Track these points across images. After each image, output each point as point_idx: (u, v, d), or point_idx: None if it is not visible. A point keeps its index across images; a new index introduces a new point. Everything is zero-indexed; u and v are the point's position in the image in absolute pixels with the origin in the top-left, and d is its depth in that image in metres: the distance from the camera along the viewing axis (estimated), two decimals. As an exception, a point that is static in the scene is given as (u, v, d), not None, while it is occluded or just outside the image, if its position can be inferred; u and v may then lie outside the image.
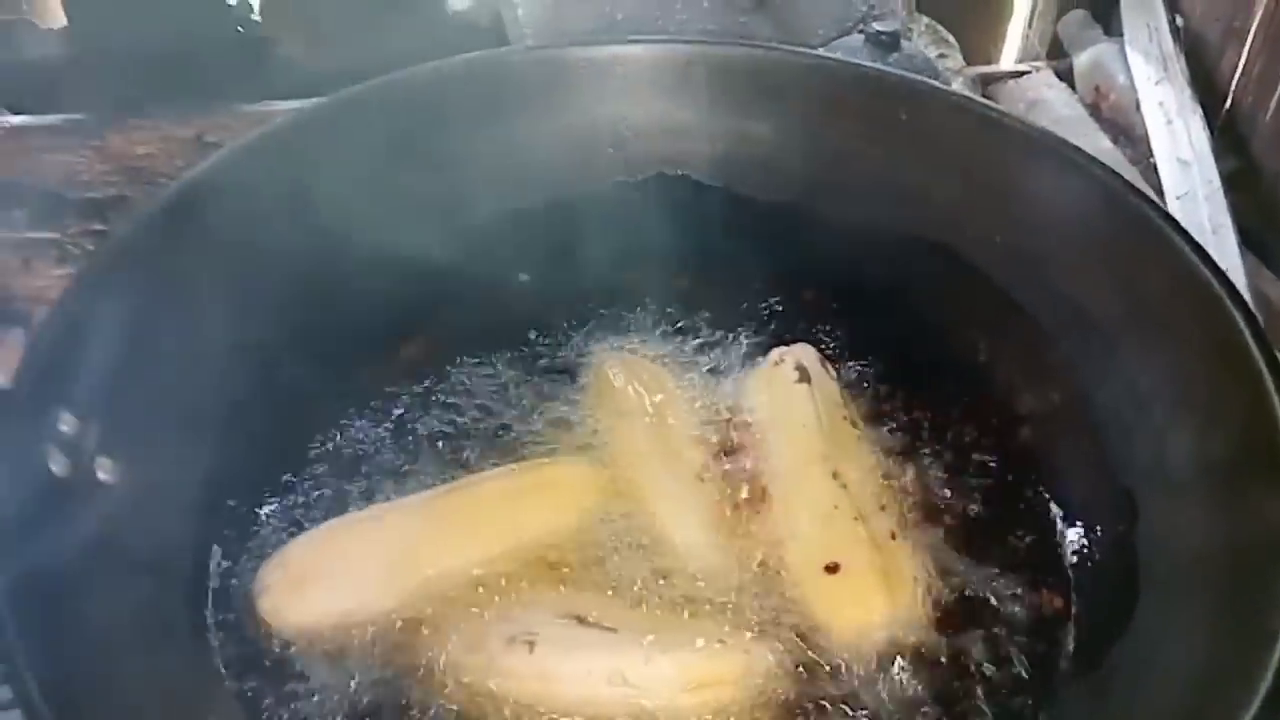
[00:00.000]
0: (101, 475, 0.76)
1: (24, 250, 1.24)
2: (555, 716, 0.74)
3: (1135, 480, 0.82)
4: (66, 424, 0.75)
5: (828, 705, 0.75)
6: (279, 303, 0.89)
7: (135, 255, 0.84)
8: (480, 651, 0.76)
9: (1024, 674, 0.78)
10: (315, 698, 0.75)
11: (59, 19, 1.43)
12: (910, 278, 0.97)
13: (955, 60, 1.46)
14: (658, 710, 0.74)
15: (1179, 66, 1.44)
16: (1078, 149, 0.92)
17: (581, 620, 0.77)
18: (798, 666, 0.77)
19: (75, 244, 1.27)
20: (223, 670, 0.76)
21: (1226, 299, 0.79)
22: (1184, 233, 0.84)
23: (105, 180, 1.34)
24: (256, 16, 1.45)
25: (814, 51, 1.04)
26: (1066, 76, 1.54)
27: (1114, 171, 0.89)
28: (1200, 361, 0.80)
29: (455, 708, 0.75)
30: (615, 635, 0.77)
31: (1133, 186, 0.89)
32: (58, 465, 0.73)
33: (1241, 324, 0.78)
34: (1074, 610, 0.81)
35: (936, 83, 1.05)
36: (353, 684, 0.76)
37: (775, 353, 0.94)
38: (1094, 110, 1.50)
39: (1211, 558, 0.74)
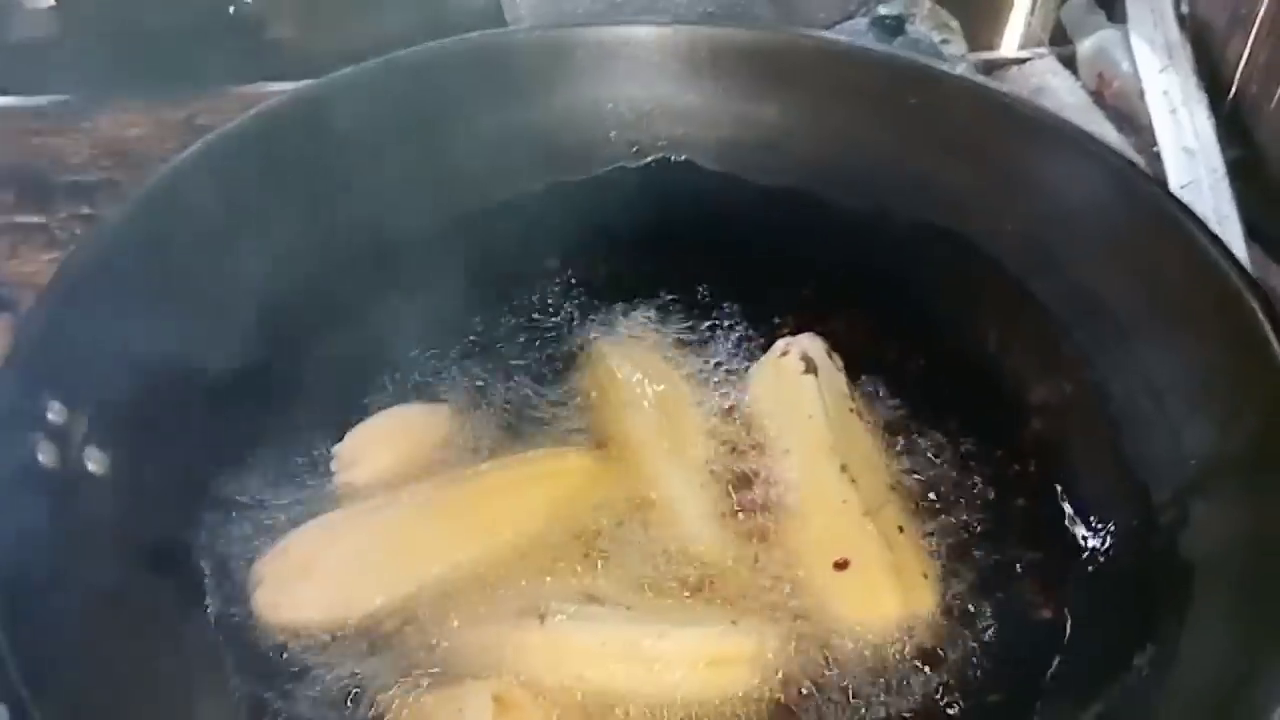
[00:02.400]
0: (91, 466, 0.75)
1: (11, 235, 1.22)
2: (565, 691, 0.73)
3: (1151, 474, 0.80)
4: (55, 413, 0.74)
5: (836, 695, 0.74)
6: (270, 289, 0.87)
7: (124, 241, 0.82)
8: (488, 626, 0.75)
9: (1037, 671, 0.76)
10: (311, 687, 0.73)
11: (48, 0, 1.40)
12: (919, 265, 0.95)
13: (958, 46, 1.43)
14: (670, 686, 0.73)
15: (1184, 54, 1.42)
16: (1090, 135, 0.90)
17: (594, 599, 0.76)
18: (808, 655, 0.76)
19: (64, 228, 1.25)
20: (216, 662, 0.74)
21: (1244, 289, 0.78)
22: (1199, 221, 0.83)
23: (95, 163, 1.32)
24: (249, -2, 1.42)
25: (821, 34, 1.02)
26: (1070, 63, 1.52)
27: (1127, 159, 0.88)
28: (1218, 352, 0.79)
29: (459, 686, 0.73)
30: (629, 611, 0.75)
31: (1146, 174, 0.87)
32: (46, 455, 0.72)
33: (1260, 314, 0.76)
34: (1088, 607, 0.79)
35: (945, 66, 1.03)
36: (351, 672, 0.74)
37: (781, 343, 0.92)
38: (1097, 98, 1.48)
39: (1231, 552, 0.72)
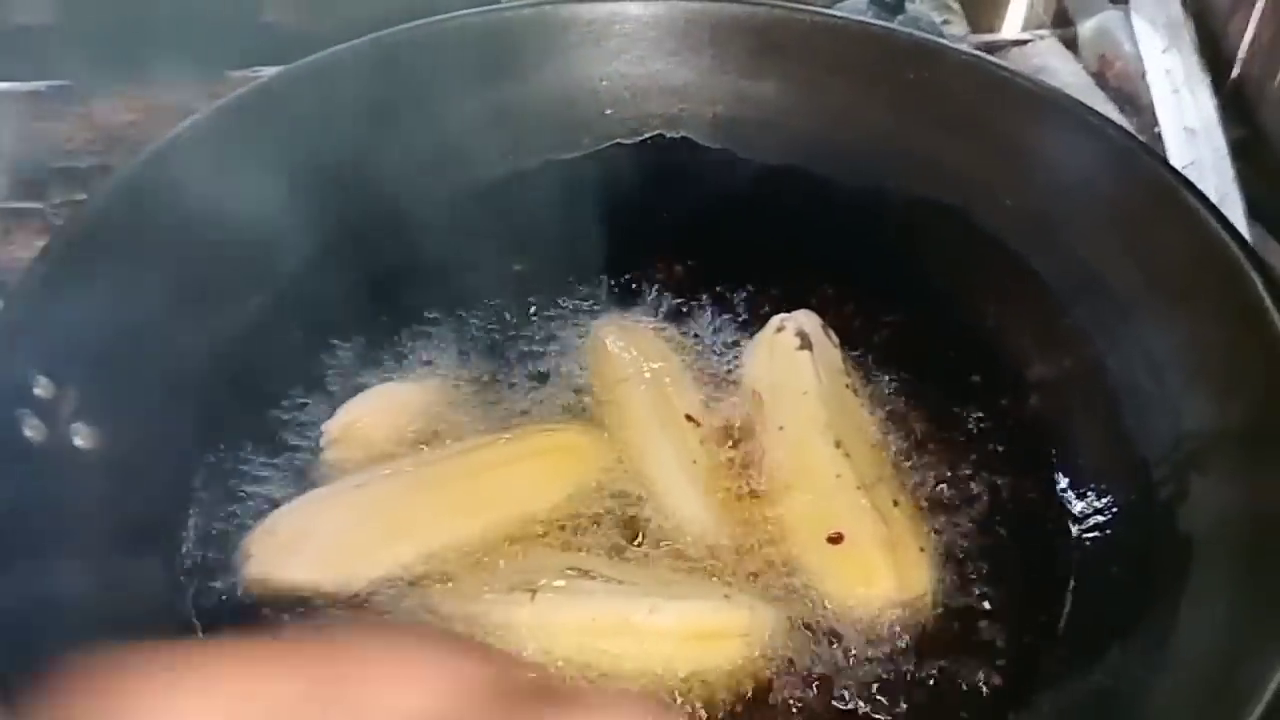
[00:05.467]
0: (78, 441, 0.74)
1: (5, 220, 1.21)
2: (555, 666, 0.72)
3: (1150, 448, 0.79)
4: (42, 388, 0.73)
5: (830, 670, 0.73)
6: (262, 266, 0.87)
7: (111, 218, 0.81)
8: (477, 602, 0.74)
9: (1033, 647, 0.76)
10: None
11: (44, -16, 1.39)
12: (917, 242, 0.94)
13: (959, 27, 1.43)
14: (661, 661, 0.72)
15: (1186, 34, 1.41)
16: (1091, 110, 0.89)
17: (585, 574, 0.75)
18: (801, 631, 0.75)
19: (58, 214, 1.24)
20: (203, 637, 0.73)
21: (1246, 263, 0.77)
22: (1201, 196, 0.82)
23: (89, 149, 1.31)
24: (245, -19, 1.42)
25: (817, 9, 1.01)
26: (1072, 45, 1.51)
27: (1129, 133, 0.87)
28: (1218, 327, 0.78)
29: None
30: (620, 585, 0.75)
31: (1148, 148, 0.86)
32: (33, 430, 0.71)
33: (1261, 288, 0.75)
34: (1086, 583, 0.78)
35: (945, 41, 1.02)
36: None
37: (776, 319, 0.92)
38: (1099, 79, 1.47)
39: (1230, 527, 0.72)
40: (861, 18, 0.99)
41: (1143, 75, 1.41)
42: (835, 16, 0.98)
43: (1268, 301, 0.75)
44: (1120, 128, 0.87)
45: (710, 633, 0.74)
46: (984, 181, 0.91)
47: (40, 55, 1.37)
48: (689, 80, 0.99)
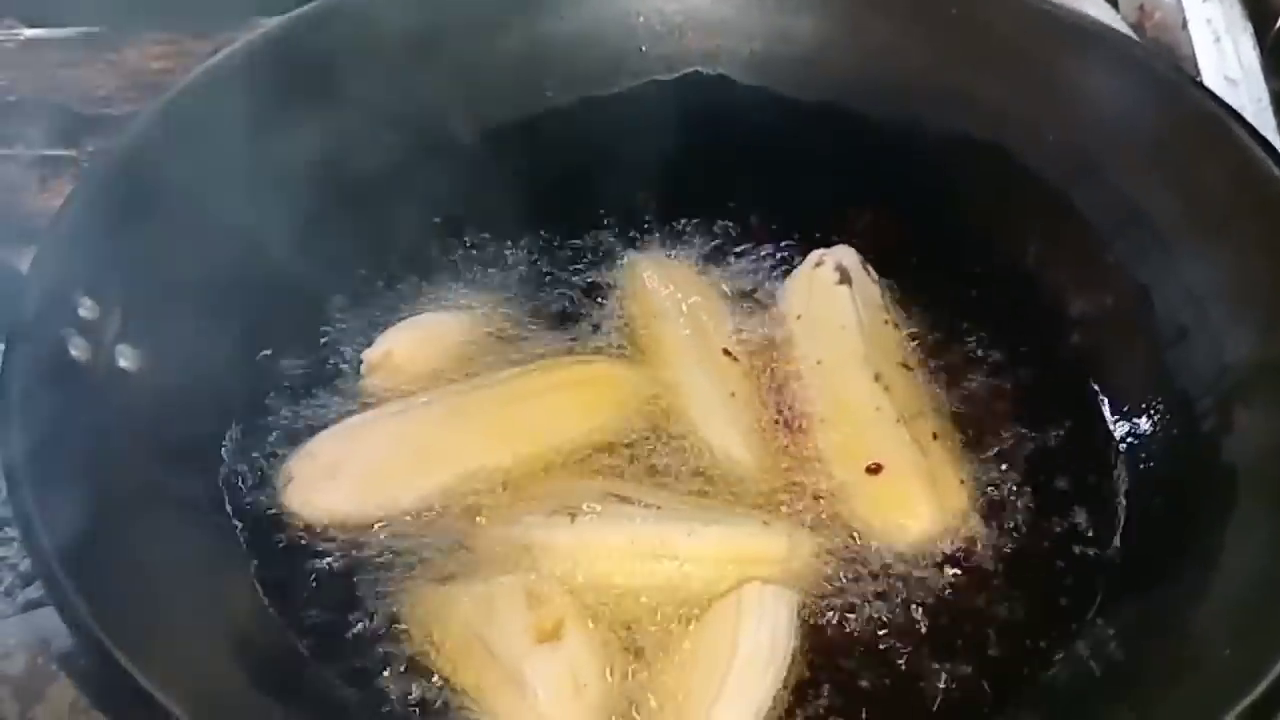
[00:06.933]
0: (123, 363, 0.74)
1: (40, 168, 1.21)
2: (595, 588, 0.72)
3: (1193, 382, 0.79)
4: (87, 309, 0.73)
5: (867, 598, 0.73)
6: (297, 201, 0.86)
7: (146, 146, 0.81)
8: (517, 524, 0.74)
9: (1074, 580, 0.75)
10: (339, 581, 0.73)
11: (72, -69, 1.39)
12: (957, 178, 0.93)
13: (995, -25, 1.41)
14: (700, 585, 0.72)
15: (1228, -17, 1.39)
16: (1135, 42, 0.88)
17: (624, 499, 0.75)
18: (839, 560, 0.75)
19: (92, 162, 1.24)
20: (244, 552, 0.74)
21: (1290, 188, 0.76)
22: (1246, 123, 0.81)
23: (122, 95, 1.31)
24: (275, -76, 1.41)
25: (858, -55, 1.00)
26: (1110, -5, 1.49)
27: (1177, 66, 0.85)
28: (1261, 259, 0.78)
29: (488, 582, 0.72)
30: (659, 510, 0.75)
31: (1191, 78, 0.85)
32: (78, 350, 0.71)
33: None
34: (1129, 516, 0.78)
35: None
36: (380, 567, 0.74)
37: (815, 254, 0.91)
38: (1138, 29, 1.45)
39: (1273, 457, 0.71)
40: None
41: (1183, 25, 1.39)
42: (875, -49, 0.97)
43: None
44: (1163, 58, 0.86)
45: (748, 558, 0.74)
46: (1024, 117, 0.91)
47: (71, 2, 1.37)
48: (726, 16, 0.99)
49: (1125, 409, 0.83)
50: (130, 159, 0.80)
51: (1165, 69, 0.85)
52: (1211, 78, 1.34)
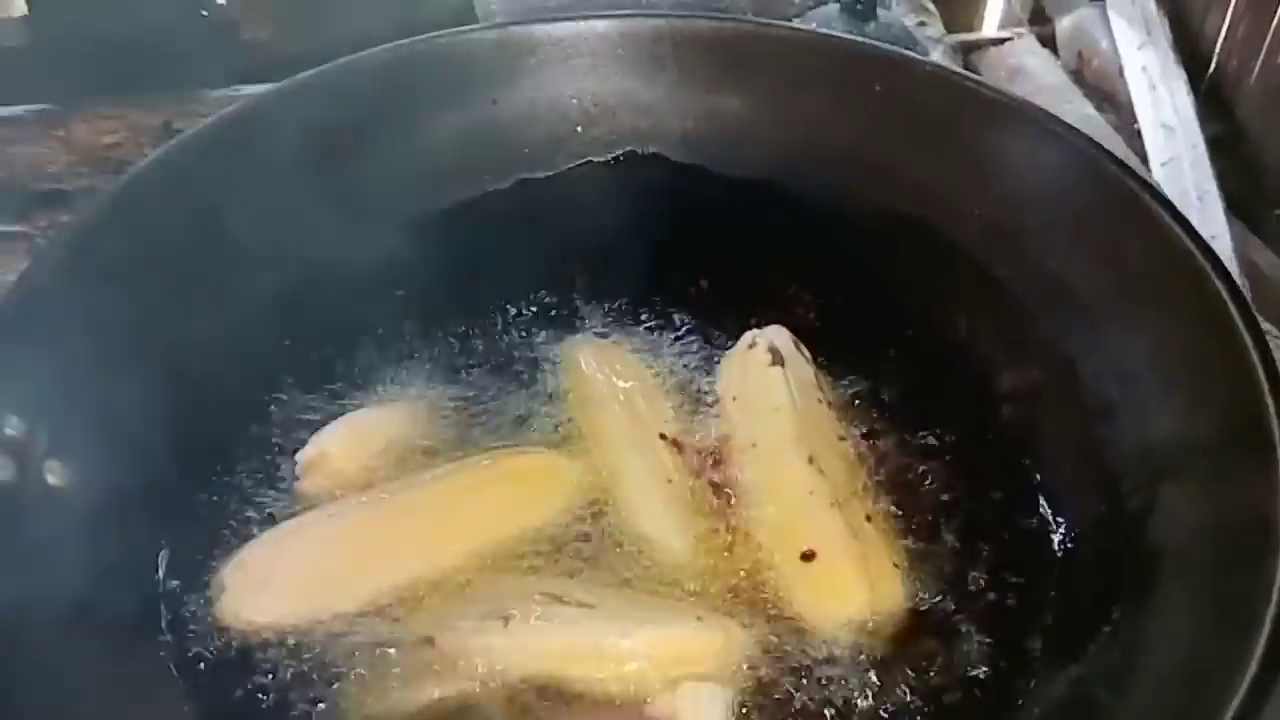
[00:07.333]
0: (51, 479, 0.74)
1: (-10, 244, 1.22)
2: (530, 690, 0.73)
3: (1119, 459, 0.79)
4: (13, 428, 0.73)
5: (804, 689, 0.74)
6: (233, 296, 0.87)
7: (81, 254, 0.81)
8: (452, 630, 0.74)
9: (1004, 662, 0.76)
10: (272, 694, 0.73)
11: (20, 8, 1.39)
12: (887, 254, 0.94)
13: (935, 28, 1.43)
14: (635, 683, 0.73)
15: (1162, 30, 1.41)
16: (1057, 119, 0.89)
17: (557, 599, 0.75)
18: (775, 650, 0.75)
19: (44, 237, 1.24)
20: (176, 674, 0.74)
21: (1211, 272, 0.77)
22: (1167, 203, 0.82)
23: (73, 171, 1.32)
24: (222, 0, 1.42)
25: (783, 23, 1.01)
26: (1049, 43, 1.52)
27: (1094, 141, 0.87)
28: (1185, 337, 0.78)
29: (425, 688, 0.73)
30: (592, 610, 0.75)
31: (1113, 156, 0.86)
32: (2, 470, 0.71)
33: (1226, 297, 0.75)
34: (1056, 596, 0.79)
35: (910, 52, 1.02)
36: (313, 678, 0.74)
37: (748, 335, 0.92)
38: (1077, 76, 1.48)
39: (1198, 538, 0.71)
40: (828, 30, 0.99)
41: (1120, 72, 1.41)
42: (800, 30, 0.98)
43: (1233, 309, 0.75)
44: (1086, 136, 0.87)
45: (684, 656, 0.74)
46: (952, 193, 0.91)
47: (18, 79, 1.37)
48: (658, 96, 0.99)
49: (1055, 486, 0.83)
50: (58, 273, 0.80)
51: (1086, 146, 0.86)
52: (1148, 124, 1.36)
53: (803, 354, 0.91)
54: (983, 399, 0.89)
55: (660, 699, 0.73)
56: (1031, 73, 1.45)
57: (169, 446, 0.81)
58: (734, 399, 0.89)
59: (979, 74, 1.44)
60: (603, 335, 0.95)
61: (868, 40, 1.06)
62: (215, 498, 0.83)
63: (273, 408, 0.89)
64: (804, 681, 0.74)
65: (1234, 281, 0.77)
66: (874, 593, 0.77)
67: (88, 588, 0.71)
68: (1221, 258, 0.79)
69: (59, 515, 0.73)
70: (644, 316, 0.96)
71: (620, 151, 1.01)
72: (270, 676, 0.74)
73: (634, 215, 0.97)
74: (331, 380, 0.91)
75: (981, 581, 0.80)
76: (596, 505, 0.83)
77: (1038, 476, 0.85)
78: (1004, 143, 0.89)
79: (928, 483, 0.85)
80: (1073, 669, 0.73)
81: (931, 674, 0.75)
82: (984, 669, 0.76)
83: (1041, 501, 0.84)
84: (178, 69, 1.35)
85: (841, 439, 0.87)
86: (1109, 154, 0.86)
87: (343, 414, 0.88)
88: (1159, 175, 1.29)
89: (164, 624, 0.76)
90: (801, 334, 0.92)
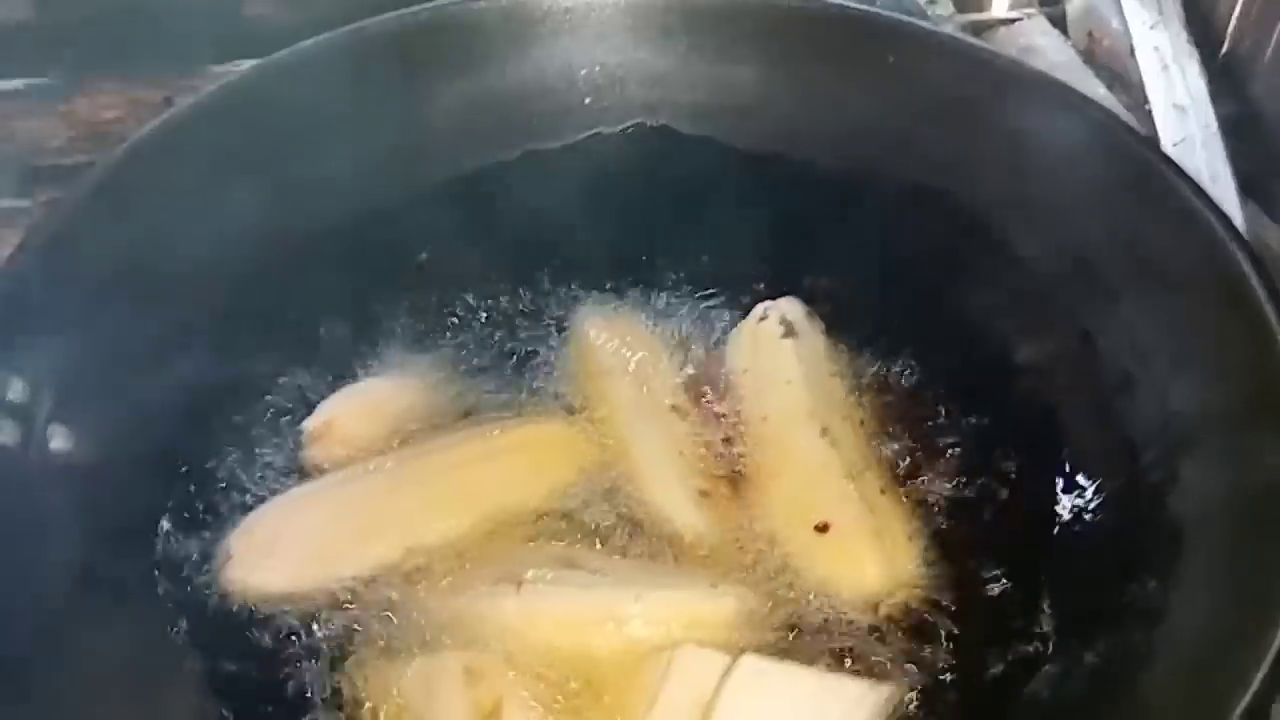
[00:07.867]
0: (55, 444, 0.73)
1: (-8, 219, 1.20)
2: (539, 658, 0.72)
3: (1139, 433, 0.78)
4: (16, 392, 0.72)
5: (818, 660, 0.73)
6: (236, 265, 0.86)
7: (84, 219, 0.81)
8: (462, 594, 0.74)
9: (1020, 632, 0.75)
10: (278, 661, 0.72)
11: (21, -19, 1.38)
12: (901, 227, 0.93)
13: (945, 6, 1.41)
14: (647, 649, 0.72)
15: (1174, 9, 1.39)
16: (1073, 90, 0.88)
17: (570, 565, 0.75)
18: (787, 620, 0.74)
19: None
20: (180, 640, 0.73)
21: (1230, 241, 0.76)
22: (1184, 175, 0.81)
23: (74, 146, 1.31)
24: (223, -27, 1.41)
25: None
26: (1059, 22, 1.50)
27: (1112, 113, 0.86)
28: (1203, 308, 0.77)
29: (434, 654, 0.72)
30: (604, 576, 0.74)
31: (1131, 129, 0.85)
32: (6, 434, 0.70)
33: (1246, 266, 0.74)
34: (1076, 568, 0.77)
35: (925, 23, 1.01)
36: (319, 645, 0.73)
37: (760, 307, 0.91)
38: (1087, 57, 1.46)
39: (1218, 510, 0.71)
40: (840, 1, 0.97)
41: (1131, 52, 1.40)
42: (811, 1, 0.97)
43: (1253, 281, 0.74)
44: (1102, 107, 0.86)
45: (696, 621, 0.73)
46: (966, 164, 0.90)
47: (21, 53, 1.36)
48: (668, 68, 0.98)
49: (1073, 460, 0.82)
50: (58, 239, 0.79)
51: (1103, 117, 0.85)
52: (1160, 106, 1.34)
53: (815, 325, 0.90)
54: (1000, 372, 0.88)
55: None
56: (1041, 53, 1.44)
57: (174, 413, 0.81)
58: (746, 371, 0.88)
59: (988, 54, 1.42)
60: (613, 307, 0.94)
61: (880, 10, 1.04)
62: (221, 464, 0.82)
63: (280, 376, 0.88)
64: (815, 650, 0.73)
65: (1252, 249, 0.76)
66: (889, 565, 0.77)
67: (92, 552, 0.71)
68: (1235, 238, 0.78)
69: (63, 479, 0.72)
70: (654, 288, 0.95)
71: (630, 123, 0.99)
72: (277, 642, 0.73)
73: (644, 187, 0.97)
74: (338, 350, 0.90)
75: (997, 554, 0.78)
76: (607, 476, 0.82)
77: (1056, 450, 0.83)
78: (1020, 115, 0.88)
79: (943, 455, 0.84)
80: (1093, 642, 0.72)
81: (946, 647, 0.74)
82: (1000, 643, 0.75)
83: (1060, 475, 0.82)
84: (180, 43, 1.34)
85: (854, 412, 0.86)
86: (1127, 126, 0.85)
87: (349, 384, 0.87)
88: (1171, 156, 1.27)
89: (168, 589, 0.75)
90: (813, 305, 0.91)
